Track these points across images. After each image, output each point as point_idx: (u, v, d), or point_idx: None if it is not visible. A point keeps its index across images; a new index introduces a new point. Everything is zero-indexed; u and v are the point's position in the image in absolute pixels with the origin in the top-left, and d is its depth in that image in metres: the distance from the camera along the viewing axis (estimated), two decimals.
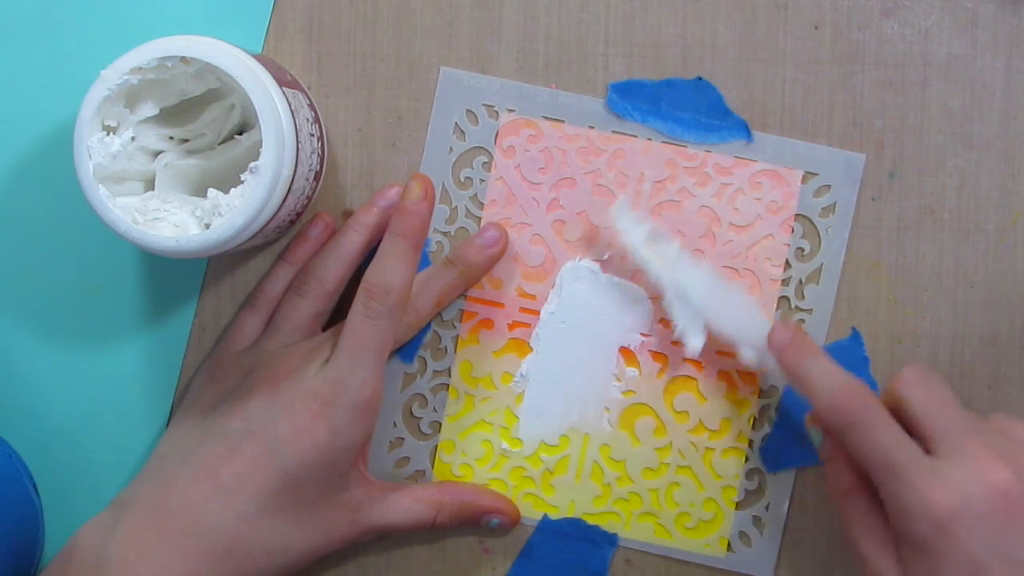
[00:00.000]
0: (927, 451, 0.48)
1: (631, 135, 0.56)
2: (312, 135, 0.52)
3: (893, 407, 0.49)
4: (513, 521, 0.56)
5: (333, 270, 0.54)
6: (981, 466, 0.46)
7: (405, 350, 0.56)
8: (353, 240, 0.54)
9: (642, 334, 0.56)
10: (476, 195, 0.56)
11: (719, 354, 0.56)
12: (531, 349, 0.56)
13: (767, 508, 0.56)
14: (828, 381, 0.50)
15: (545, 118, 0.56)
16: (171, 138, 0.53)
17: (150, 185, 0.52)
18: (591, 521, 0.56)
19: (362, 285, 0.51)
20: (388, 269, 0.51)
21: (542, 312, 0.56)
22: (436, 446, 0.57)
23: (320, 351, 0.52)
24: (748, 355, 0.53)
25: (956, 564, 0.46)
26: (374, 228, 0.54)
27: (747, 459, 0.56)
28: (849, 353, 0.55)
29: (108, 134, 0.50)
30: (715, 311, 0.53)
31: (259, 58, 0.50)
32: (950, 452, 0.47)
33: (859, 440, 0.48)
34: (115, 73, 0.48)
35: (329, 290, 0.54)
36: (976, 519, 0.46)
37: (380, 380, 0.51)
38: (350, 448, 0.51)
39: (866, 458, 0.48)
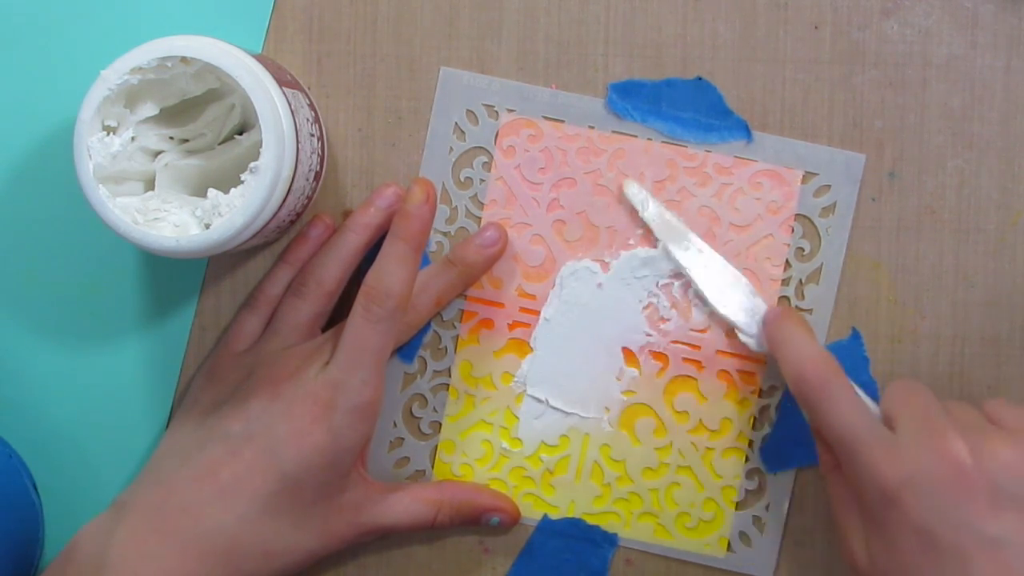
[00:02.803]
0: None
1: (631, 135, 0.56)
2: (312, 135, 0.52)
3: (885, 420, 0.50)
4: (513, 519, 0.56)
5: (332, 271, 0.54)
6: (936, 440, 0.46)
7: (405, 350, 0.56)
8: (351, 241, 0.54)
9: (643, 334, 0.56)
10: (476, 195, 0.56)
11: (719, 354, 0.56)
12: (531, 349, 0.56)
13: (767, 508, 0.56)
14: (799, 352, 0.51)
15: (545, 118, 0.56)
16: (171, 138, 0.53)
17: (150, 185, 0.52)
18: (591, 521, 0.56)
19: (363, 288, 0.51)
20: (389, 272, 0.51)
21: (541, 312, 0.56)
22: (436, 446, 0.57)
23: (320, 353, 0.52)
24: (745, 339, 0.54)
25: (906, 534, 0.46)
26: (372, 228, 0.54)
27: (747, 459, 0.56)
28: (849, 353, 0.55)
29: (108, 134, 0.50)
30: (717, 293, 0.55)
31: (259, 58, 0.50)
32: (910, 429, 0.48)
33: (822, 412, 0.49)
34: (115, 73, 0.48)
35: (328, 291, 0.54)
36: (925, 489, 0.46)
37: (380, 383, 0.51)
38: (349, 450, 0.51)
39: (828, 431, 0.49)
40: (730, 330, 0.55)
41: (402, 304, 0.51)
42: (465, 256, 0.55)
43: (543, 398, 0.56)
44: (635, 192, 0.55)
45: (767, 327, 0.53)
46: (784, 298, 0.55)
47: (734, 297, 0.55)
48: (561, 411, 0.56)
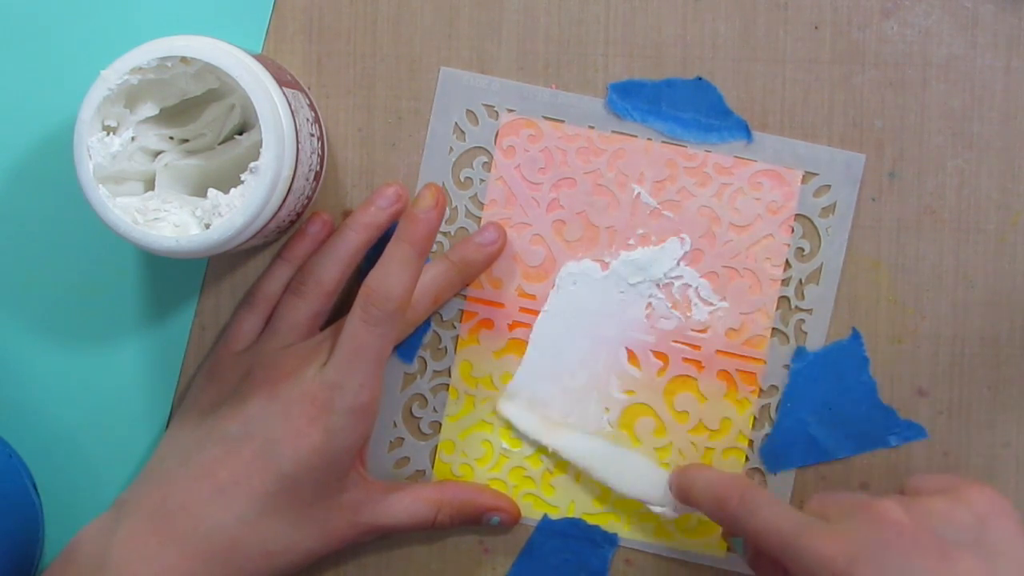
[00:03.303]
0: None
1: (631, 135, 0.56)
2: (312, 135, 0.52)
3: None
4: (514, 519, 0.56)
5: (331, 270, 0.54)
6: (871, 511, 0.46)
7: (405, 350, 0.56)
8: (351, 240, 0.54)
9: (643, 334, 0.56)
10: (476, 195, 0.56)
11: (719, 354, 0.56)
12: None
13: None
14: (708, 484, 0.51)
15: (545, 118, 0.56)
16: (171, 138, 0.53)
17: (150, 185, 0.52)
18: (591, 521, 0.56)
19: (363, 289, 0.51)
20: (391, 275, 0.50)
21: (540, 312, 0.56)
22: (436, 446, 0.57)
23: (317, 353, 0.52)
24: (659, 510, 0.55)
25: None
26: (373, 228, 0.54)
27: (747, 459, 0.56)
28: (849, 353, 0.55)
29: (108, 134, 0.50)
30: (620, 478, 0.55)
31: (259, 58, 0.50)
32: (843, 513, 0.47)
33: (749, 525, 0.48)
34: (115, 73, 0.48)
35: (327, 291, 0.54)
36: (876, 557, 0.45)
37: (378, 385, 0.51)
38: (347, 450, 0.51)
39: (764, 538, 0.48)
40: (731, 330, 0.55)
41: (402, 308, 0.51)
42: (464, 255, 0.55)
43: (542, 397, 0.56)
44: (507, 410, 0.56)
45: (672, 485, 0.54)
46: (784, 298, 0.55)
47: (632, 474, 0.55)
48: (561, 411, 0.56)
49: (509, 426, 0.56)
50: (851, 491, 0.49)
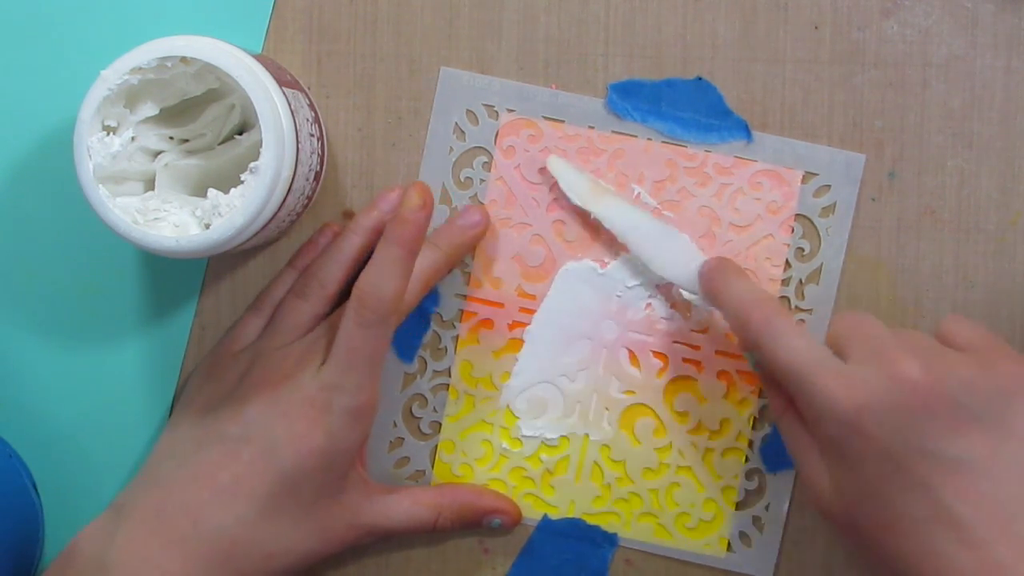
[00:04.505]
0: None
1: (631, 135, 0.56)
2: (312, 135, 0.52)
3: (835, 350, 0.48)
4: (515, 521, 0.56)
5: (334, 273, 0.54)
6: (889, 363, 0.45)
7: (405, 350, 0.56)
8: (354, 243, 0.54)
9: (643, 334, 0.56)
10: (476, 195, 0.56)
11: (719, 354, 0.56)
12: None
13: (767, 508, 0.56)
14: (739, 296, 0.50)
15: (545, 118, 0.56)
16: (171, 138, 0.53)
17: (150, 185, 0.52)
18: (591, 521, 0.56)
19: (355, 292, 0.51)
20: (383, 277, 0.50)
21: (539, 311, 0.56)
22: (436, 446, 0.57)
23: (314, 352, 0.52)
24: (690, 297, 0.54)
25: (872, 460, 0.45)
26: (376, 232, 0.54)
27: (747, 459, 0.56)
28: None
29: (108, 134, 0.50)
30: (656, 256, 0.54)
31: (259, 58, 0.50)
32: (862, 356, 0.46)
33: (770, 349, 0.48)
34: (115, 73, 0.48)
35: (330, 293, 0.54)
36: (885, 413, 0.44)
37: (375, 385, 0.51)
38: (346, 451, 0.51)
39: (777, 366, 0.48)
40: (730, 331, 0.55)
41: (395, 308, 0.51)
42: (449, 237, 0.55)
43: (543, 398, 0.56)
44: (556, 165, 0.55)
45: (703, 280, 0.53)
46: (784, 298, 0.55)
47: (671, 255, 0.54)
48: (561, 411, 0.56)
49: (509, 426, 0.56)
50: (879, 323, 0.48)
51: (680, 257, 0.54)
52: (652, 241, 0.54)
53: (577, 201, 0.55)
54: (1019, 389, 0.45)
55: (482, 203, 0.56)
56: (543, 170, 0.56)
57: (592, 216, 0.55)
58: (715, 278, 0.52)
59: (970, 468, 0.44)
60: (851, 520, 0.46)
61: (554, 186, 0.55)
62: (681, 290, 0.54)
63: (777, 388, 0.50)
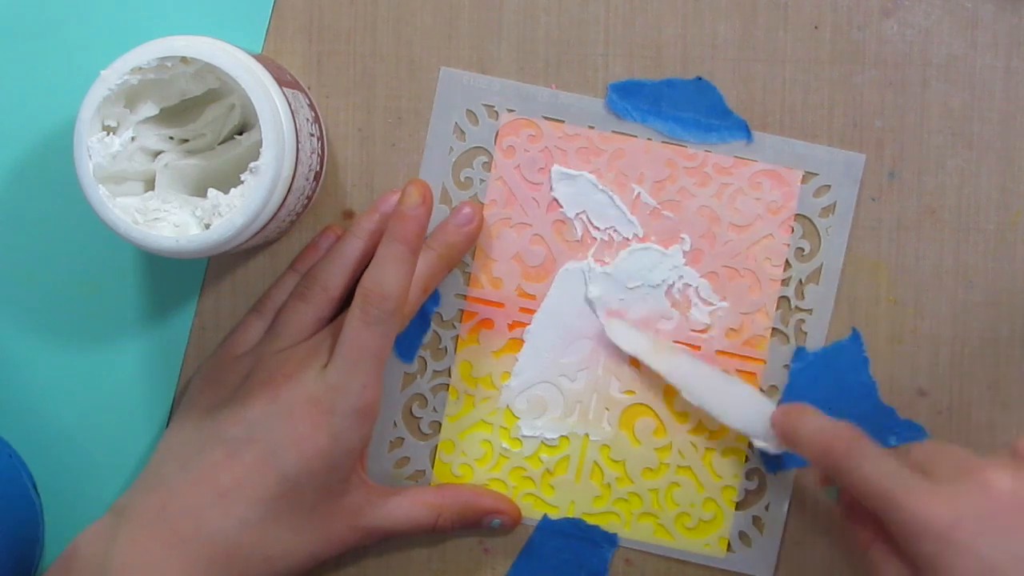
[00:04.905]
0: None
1: (631, 135, 0.56)
2: (312, 135, 0.52)
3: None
4: (515, 521, 0.56)
5: (337, 276, 0.54)
6: (978, 475, 0.45)
7: (405, 350, 0.56)
8: (356, 246, 0.54)
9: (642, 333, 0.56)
10: (476, 195, 0.56)
11: (719, 354, 0.56)
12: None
13: (767, 508, 0.56)
14: (814, 428, 0.50)
15: (545, 118, 0.56)
16: (171, 138, 0.53)
17: (150, 185, 0.52)
18: (591, 521, 0.56)
19: (359, 290, 0.51)
20: (386, 274, 0.51)
21: (539, 311, 0.56)
22: (436, 446, 0.57)
23: (317, 354, 0.52)
24: (761, 445, 0.54)
25: (969, 571, 0.44)
26: (377, 234, 0.54)
27: (747, 459, 0.56)
28: (849, 353, 0.55)
29: (108, 134, 0.50)
30: (722, 407, 0.54)
31: (259, 58, 0.50)
32: (949, 475, 0.46)
33: (852, 477, 0.48)
34: (115, 73, 0.48)
35: (332, 296, 0.54)
36: (980, 524, 0.44)
37: (379, 385, 0.51)
38: (350, 453, 0.51)
39: (863, 494, 0.47)
40: (731, 330, 0.55)
41: (400, 306, 0.51)
42: (444, 238, 0.55)
43: (542, 397, 0.56)
44: (615, 328, 0.55)
45: (778, 423, 0.53)
46: (784, 298, 0.55)
47: (739, 404, 0.54)
48: (561, 411, 0.56)
49: (509, 426, 0.56)
50: (959, 447, 0.49)
51: (749, 406, 0.54)
52: (719, 393, 0.54)
53: (642, 359, 0.55)
54: None
55: (482, 203, 0.56)
56: (543, 170, 0.56)
57: (654, 370, 0.55)
58: (791, 417, 0.52)
59: None
60: None
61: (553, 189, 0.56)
62: (755, 440, 0.54)
63: (863, 519, 0.49)
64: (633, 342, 0.55)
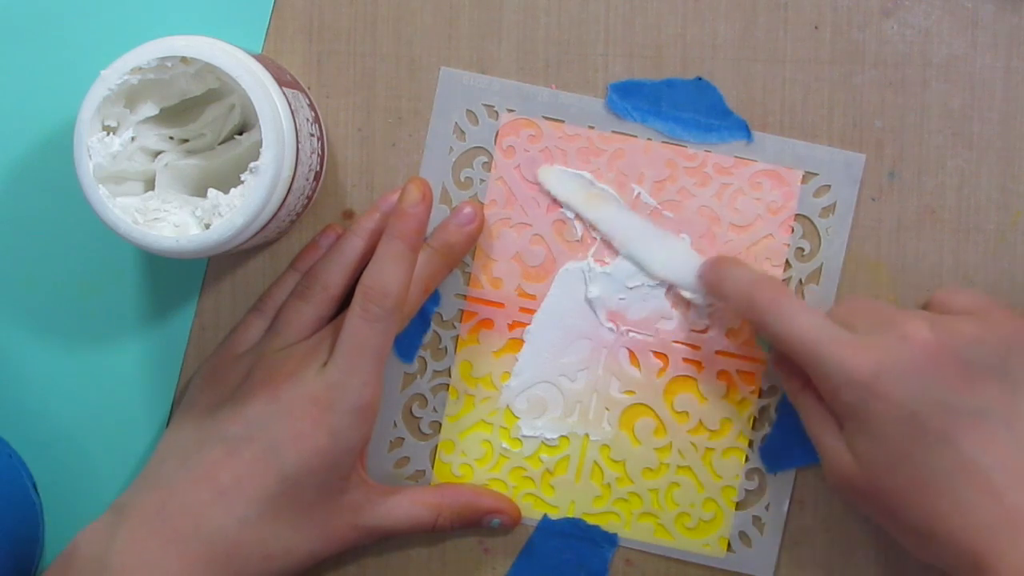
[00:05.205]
0: None
1: (631, 135, 0.56)
2: (312, 135, 0.52)
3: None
4: (514, 521, 0.56)
5: (337, 275, 0.54)
6: (898, 326, 0.47)
7: (405, 350, 0.56)
8: (356, 246, 0.54)
9: (643, 334, 0.56)
10: (476, 195, 0.56)
11: (719, 354, 0.56)
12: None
13: (767, 508, 0.56)
14: (739, 280, 0.51)
15: (545, 118, 0.56)
16: (171, 138, 0.53)
17: (150, 185, 0.52)
18: (591, 521, 0.56)
19: (359, 287, 0.51)
20: (386, 272, 0.51)
21: (539, 311, 0.56)
22: (436, 446, 0.57)
23: (317, 353, 0.52)
24: (689, 295, 0.54)
25: (891, 420, 0.46)
26: (377, 234, 0.54)
27: (747, 459, 0.56)
28: None
29: (108, 134, 0.50)
30: (652, 258, 0.55)
31: (259, 58, 0.50)
32: (870, 326, 0.48)
33: (780, 327, 0.49)
34: (115, 73, 0.48)
35: (332, 295, 0.54)
36: (900, 373, 0.46)
37: (379, 383, 0.51)
38: (350, 451, 0.51)
39: (789, 343, 0.49)
40: (731, 330, 0.55)
41: (400, 303, 0.51)
42: (446, 239, 0.55)
43: (542, 397, 0.56)
44: (547, 175, 0.55)
45: (704, 274, 0.54)
46: None
47: (669, 256, 0.55)
48: (561, 411, 0.56)
49: (509, 426, 0.56)
50: (880, 301, 0.51)
51: (678, 257, 0.55)
52: (649, 243, 0.55)
53: (572, 207, 0.55)
54: (1018, 338, 0.47)
55: (482, 203, 0.56)
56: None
57: (587, 220, 0.55)
58: (715, 268, 0.53)
59: (988, 419, 0.46)
60: (877, 488, 0.47)
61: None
62: (681, 290, 0.54)
63: (791, 369, 0.51)
64: (566, 190, 0.55)
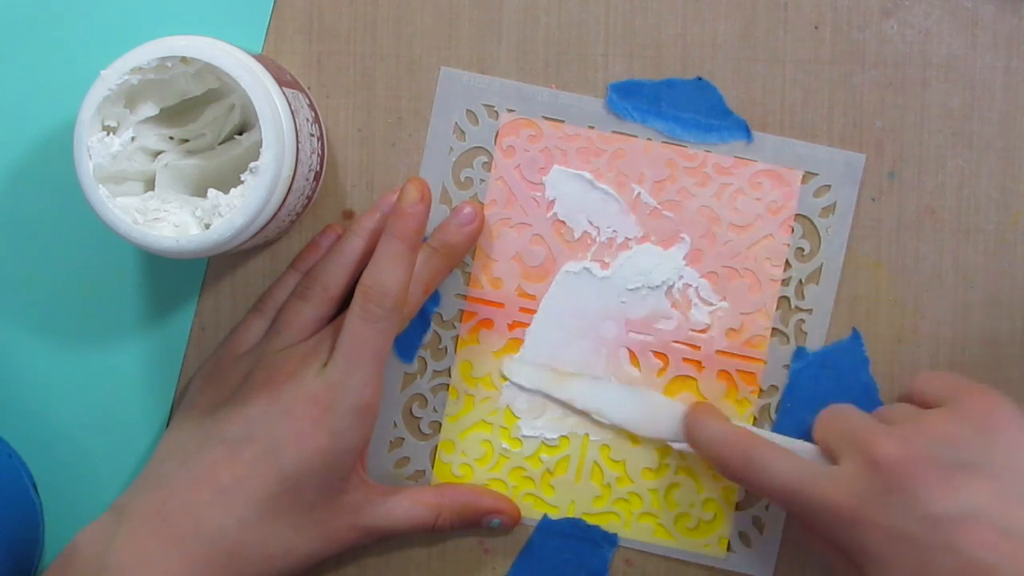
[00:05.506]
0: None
1: (631, 135, 0.56)
2: (312, 135, 0.52)
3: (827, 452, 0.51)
4: (514, 521, 0.56)
5: (337, 275, 0.54)
6: (869, 452, 0.47)
7: (405, 350, 0.56)
8: (356, 246, 0.54)
9: (643, 334, 0.56)
10: (476, 195, 0.56)
11: (719, 354, 0.56)
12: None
13: (767, 508, 0.56)
14: (711, 440, 0.52)
15: (545, 118, 0.56)
16: (171, 138, 0.53)
17: (150, 185, 0.52)
18: (591, 521, 0.56)
19: (359, 287, 0.51)
20: (385, 271, 0.51)
21: (539, 311, 0.56)
22: (436, 446, 0.57)
23: (318, 353, 0.52)
24: (679, 447, 0.55)
25: (888, 545, 0.46)
26: (377, 234, 0.54)
27: None
28: (849, 353, 0.55)
29: (108, 134, 0.50)
30: (635, 421, 0.55)
31: (259, 58, 0.50)
32: (846, 452, 0.48)
33: (758, 485, 0.50)
34: (115, 73, 0.48)
35: (332, 295, 0.54)
36: (880, 500, 0.46)
37: (379, 383, 0.51)
38: (350, 451, 0.51)
39: (772, 494, 0.49)
40: (731, 330, 0.55)
41: (400, 303, 0.51)
42: (446, 239, 0.55)
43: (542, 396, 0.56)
44: (509, 368, 0.56)
45: (684, 430, 0.54)
46: (784, 298, 0.55)
47: (651, 414, 0.55)
48: (561, 410, 0.56)
49: (509, 426, 0.56)
50: (854, 410, 0.51)
51: (662, 412, 0.55)
52: (628, 406, 0.55)
53: (544, 392, 0.56)
54: (993, 424, 0.47)
55: (482, 203, 0.56)
56: (543, 169, 0.56)
57: (562, 400, 0.55)
58: (689, 426, 0.53)
59: (979, 516, 0.45)
60: None
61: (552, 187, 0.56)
62: (672, 444, 0.55)
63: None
64: (532, 378, 0.56)
